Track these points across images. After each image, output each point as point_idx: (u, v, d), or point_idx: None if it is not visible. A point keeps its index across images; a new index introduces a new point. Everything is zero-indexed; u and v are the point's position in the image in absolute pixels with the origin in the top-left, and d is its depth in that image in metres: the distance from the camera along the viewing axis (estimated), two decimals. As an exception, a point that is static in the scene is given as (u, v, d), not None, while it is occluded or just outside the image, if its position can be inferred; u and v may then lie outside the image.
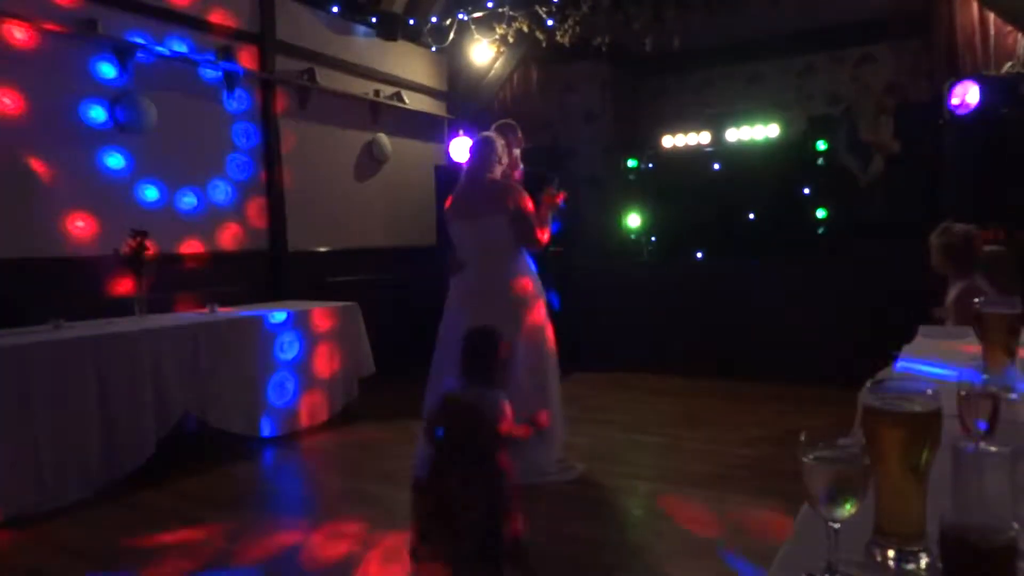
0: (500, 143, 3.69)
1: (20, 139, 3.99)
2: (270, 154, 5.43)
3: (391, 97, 6.48)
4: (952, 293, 3.22)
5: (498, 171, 3.66)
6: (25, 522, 3.11)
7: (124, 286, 4.10)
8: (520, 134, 3.99)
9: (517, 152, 3.94)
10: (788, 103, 6.62)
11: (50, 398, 3.27)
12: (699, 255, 6.16)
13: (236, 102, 5.20)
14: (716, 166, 6.15)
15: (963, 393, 1.14)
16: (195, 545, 2.88)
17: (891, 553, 0.90)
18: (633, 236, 6.44)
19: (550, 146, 7.03)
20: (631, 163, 6.50)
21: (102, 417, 3.47)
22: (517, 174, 3.96)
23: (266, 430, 4.26)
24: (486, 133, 3.75)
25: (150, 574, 2.64)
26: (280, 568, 2.66)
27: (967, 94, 4.62)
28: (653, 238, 6.41)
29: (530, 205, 3.53)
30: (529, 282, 3.56)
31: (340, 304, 4.91)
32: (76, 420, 3.37)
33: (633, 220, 6.49)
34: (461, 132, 6.52)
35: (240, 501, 3.39)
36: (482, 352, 2.43)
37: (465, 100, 7.14)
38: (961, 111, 4.66)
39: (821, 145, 5.65)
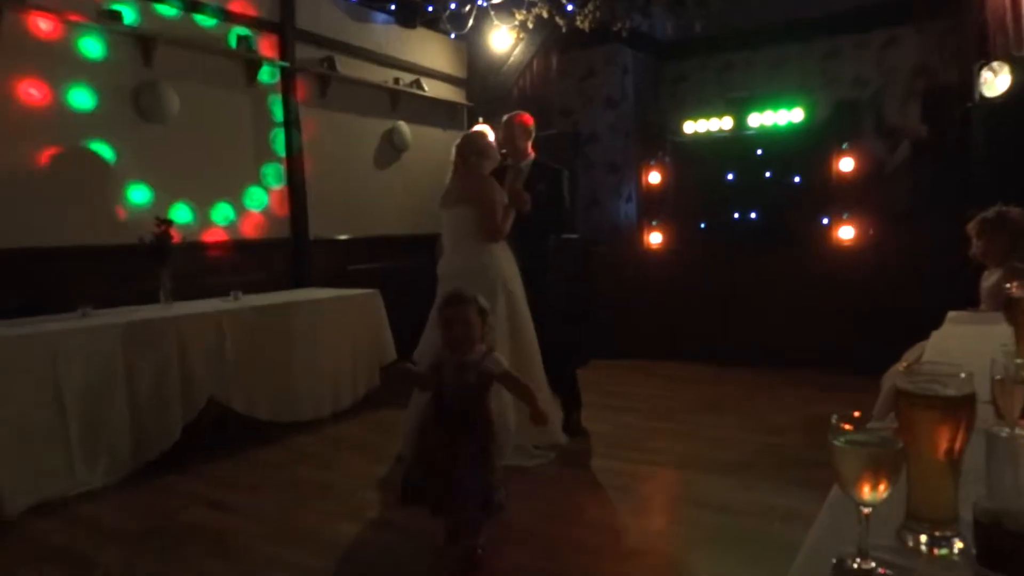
0: (483, 137, 3.89)
1: (46, 129, 4.04)
2: (291, 142, 5.46)
3: (410, 85, 6.47)
4: (988, 280, 3.15)
5: (484, 163, 3.82)
6: (57, 504, 3.18)
7: (149, 274, 4.14)
8: (527, 125, 4.10)
9: (525, 143, 4.08)
10: (812, 87, 6.52)
11: (79, 384, 3.33)
12: (721, 241, 6.10)
13: (257, 90, 5.22)
14: (738, 152, 6.08)
15: (998, 378, 1.12)
16: (221, 527, 2.92)
17: (923, 538, 0.89)
18: (654, 222, 6.40)
19: (571, 132, 6.99)
20: (652, 151, 6.44)
21: (130, 402, 3.53)
22: (523, 162, 4.06)
23: (289, 416, 4.31)
24: (472, 129, 3.92)
25: (178, 555, 2.68)
26: (304, 551, 2.70)
27: (997, 77, 4.52)
28: (674, 224, 6.36)
29: (495, 197, 3.68)
30: (494, 270, 3.66)
31: (361, 291, 4.95)
32: (105, 405, 3.43)
33: (654, 206, 6.44)
34: (480, 120, 6.50)
35: (264, 485, 3.44)
36: (452, 321, 2.52)
37: (485, 87, 7.11)
38: (991, 94, 4.56)
39: (845, 144, 5.54)
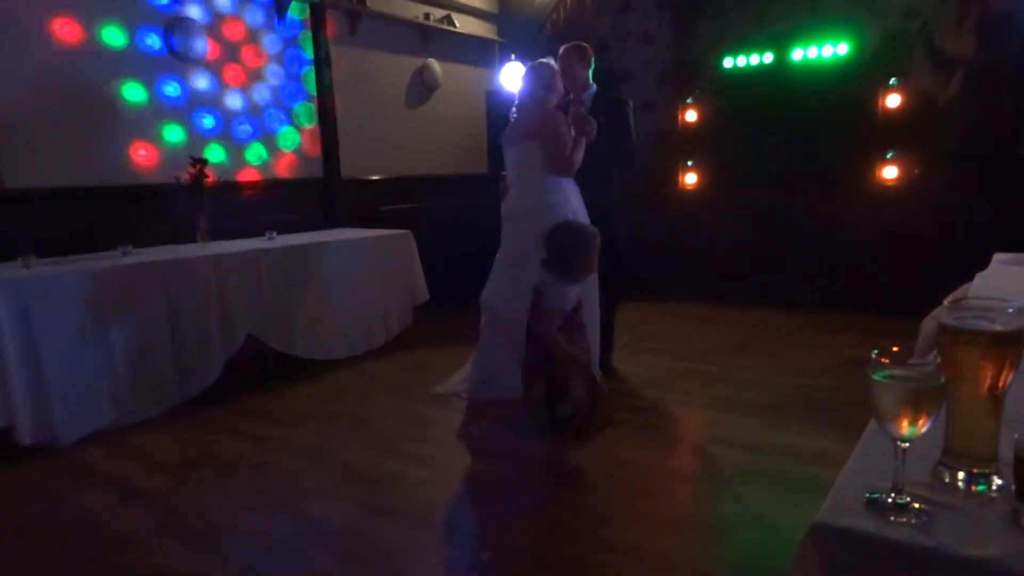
0: (550, 69, 3.72)
1: (79, 68, 4.05)
2: (322, 81, 5.41)
3: (441, 21, 6.33)
4: None
5: (551, 96, 3.70)
6: (107, 435, 3.33)
7: (186, 213, 4.20)
8: (585, 56, 3.93)
9: (585, 74, 3.92)
10: (859, 19, 6.21)
11: (124, 321, 3.44)
12: (759, 181, 5.95)
13: (287, 27, 5.16)
14: (779, 88, 5.87)
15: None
16: (262, 459, 3.03)
17: (960, 475, 0.88)
18: (690, 163, 6.26)
19: (605, 69, 6.79)
20: (689, 88, 6.25)
21: (173, 339, 3.64)
22: (583, 94, 3.91)
23: (325, 354, 4.40)
24: (538, 61, 3.77)
25: (222, 484, 2.79)
26: (342, 482, 2.78)
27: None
28: (711, 164, 6.21)
29: (562, 131, 3.58)
30: (564, 207, 3.57)
31: (394, 232, 4.96)
32: (149, 341, 3.54)
33: (690, 146, 6.28)
34: (513, 57, 6.36)
35: (302, 420, 3.54)
36: (565, 247, 2.66)
37: (517, 23, 6.93)
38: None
39: (893, 79, 5.28)
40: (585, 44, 3.99)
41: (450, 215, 6.23)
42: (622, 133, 3.85)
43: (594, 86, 3.97)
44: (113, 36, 4.17)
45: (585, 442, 2.68)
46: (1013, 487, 0.81)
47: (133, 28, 4.26)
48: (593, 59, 3.97)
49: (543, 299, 2.62)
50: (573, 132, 3.61)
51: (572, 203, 3.64)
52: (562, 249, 2.65)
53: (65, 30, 3.97)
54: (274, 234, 4.53)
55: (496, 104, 6.20)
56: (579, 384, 2.59)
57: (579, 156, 3.62)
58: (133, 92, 4.29)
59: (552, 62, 3.76)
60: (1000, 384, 0.86)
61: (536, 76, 3.70)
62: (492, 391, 3.69)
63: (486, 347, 3.79)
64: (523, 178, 3.69)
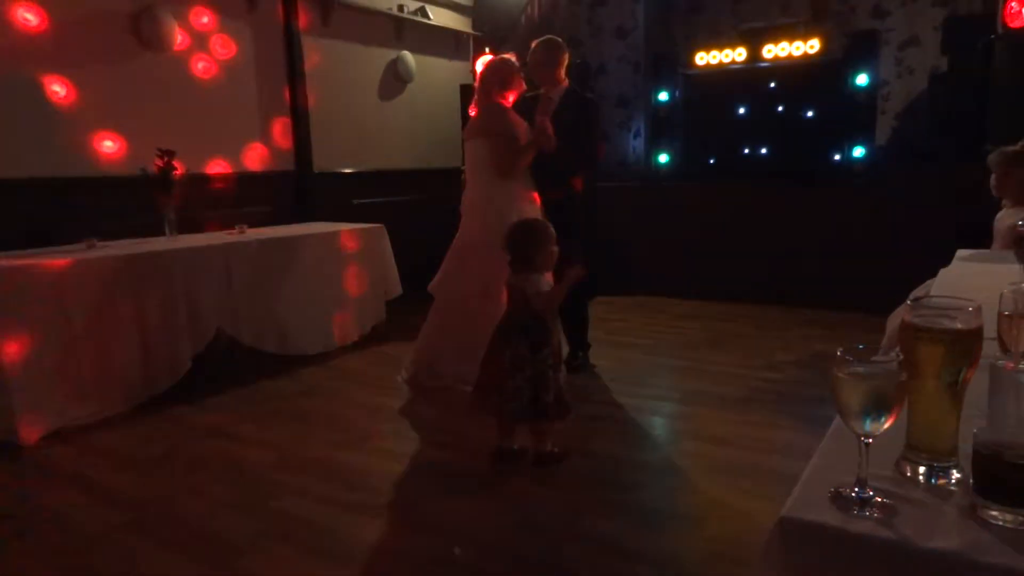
0: (508, 65, 3.74)
1: (44, 57, 3.95)
2: (293, 72, 5.34)
3: (415, 13, 6.28)
4: (1004, 219, 3.10)
5: (507, 94, 3.73)
6: (70, 432, 3.26)
7: (153, 206, 4.12)
8: (554, 51, 3.89)
9: (552, 70, 3.88)
10: (830, 17, 6.30)
11: (89, 315, 3.36)
12: (730, 177, 6.01)
13: (258, 17, 5.08)
14: (751, 85, 5.93)
15: (1006, 313, 1.11)
16: (231, 456, 2.99)
17: (922, 469, 0.90)
18: (663, 157, 6.30)
19: (579, 64, 6.80)
20: (662, 84, 6.28)
21: (139, 334, 3.56)
22: (553, 90, 3.86)
23: (296, 349, 4.36)
24: (497, 56, 3.83)
25: (189, 482, 2.76)
26: (311, 478, 2.76)
27: (1023, 6, 4.35)
28: (683, 160, 6.26)
29: (508, 132, 3.60)
30: (504, 205, 3.56)
31: (366, 226, 4.92)
32: (114, 336, 3.47)
33: (663, 141, 6.32)
34: (487, 50, 6.34)
35: (272, 415, 3.50)
36: (521, 243, 2.74)
37: (492, 16, 6.90)
38: (1016, 24, 4.40)
39: (862, 77, 5.35)
40: (557, 39, 3.94)
41: (423, 209, 6.19)
42: (586, 135, 3.83)
43: (564, 83, 3.92)
44: (79, 24, 4.06)
45: (562, 426, 2.74)
46: (971, 480, 0.83)
47: (99, 16, 4.16)
48: (566, 55, 3.93)
49: (524, 290, 2.67)
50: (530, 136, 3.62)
51: (518, 204, 3.60)
52: (519, 246, 2.73)
53: (26, 16, 3.86)
54: (244, 227, 4.47)
55: (470, 98, 6.17)
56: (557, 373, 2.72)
57: (522, 162, 3.63)
58: (98, 81, 4.18)
59: (511, 58, 3.78)
60: (960, 381, 0.88)
61: (492, 72, 3.71)
62: (433, 377, 3.79)
63: (427, 332, 3.87)
64: (474, 174, 3.75)
